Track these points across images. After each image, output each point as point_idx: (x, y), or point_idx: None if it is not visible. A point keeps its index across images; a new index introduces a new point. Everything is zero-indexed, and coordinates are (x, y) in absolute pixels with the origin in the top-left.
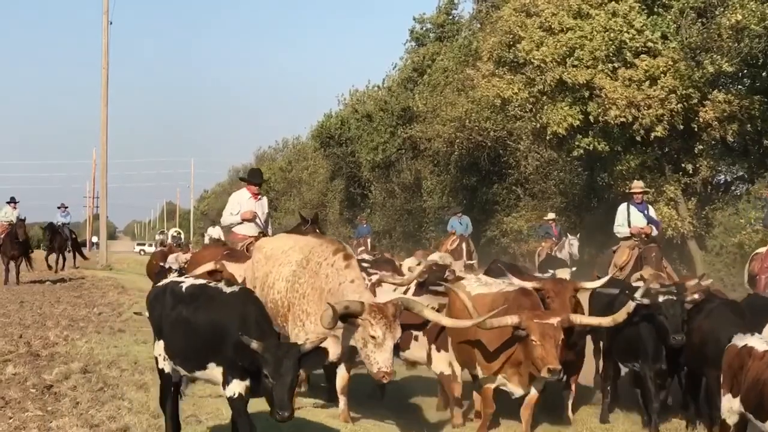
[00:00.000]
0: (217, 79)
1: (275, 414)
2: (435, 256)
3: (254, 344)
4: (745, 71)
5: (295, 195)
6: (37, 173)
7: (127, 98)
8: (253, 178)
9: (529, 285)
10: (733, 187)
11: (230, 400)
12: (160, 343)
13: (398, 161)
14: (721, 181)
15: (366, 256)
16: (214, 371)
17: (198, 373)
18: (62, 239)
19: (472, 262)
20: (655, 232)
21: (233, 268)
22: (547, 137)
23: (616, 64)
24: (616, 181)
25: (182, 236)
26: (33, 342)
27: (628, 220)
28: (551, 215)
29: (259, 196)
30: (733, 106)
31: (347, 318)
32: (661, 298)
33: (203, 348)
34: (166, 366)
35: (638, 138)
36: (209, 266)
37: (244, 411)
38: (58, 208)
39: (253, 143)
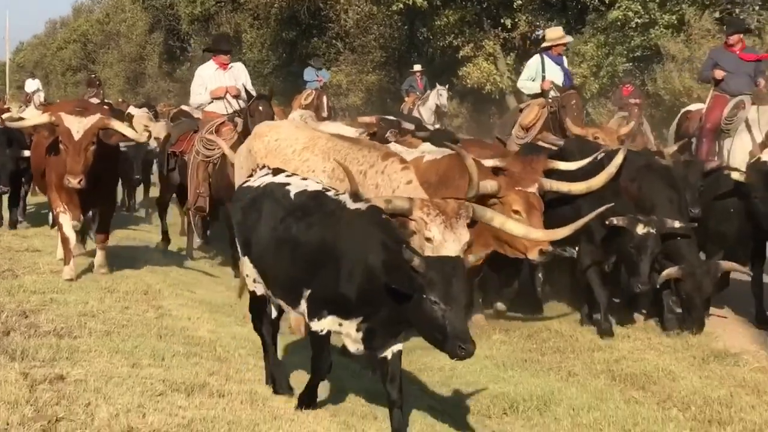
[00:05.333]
0: None
1: (455, 349)
2: (296, 114)
3: (416, 260)
4: None
5: (113, 48)
6: None
7: None
8: (218, 45)
9: (490, 163)
10: None
11: (314, 334)
12: (249, 264)
13: (218, 14)
14: (540, 37)
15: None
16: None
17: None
18: None
19: (331, 120)
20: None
21: (71, 122)
22: None
23: None
24: (435, 35)
25: None
26: None
27: (543, 74)
28: (417, 67)
29: (229, 66)
30: None
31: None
32: (639, 230)
33: (303, 274)
34: (258, 288)
35: None
36: (44, 118)
37: (326, 347)
38: None
39: None
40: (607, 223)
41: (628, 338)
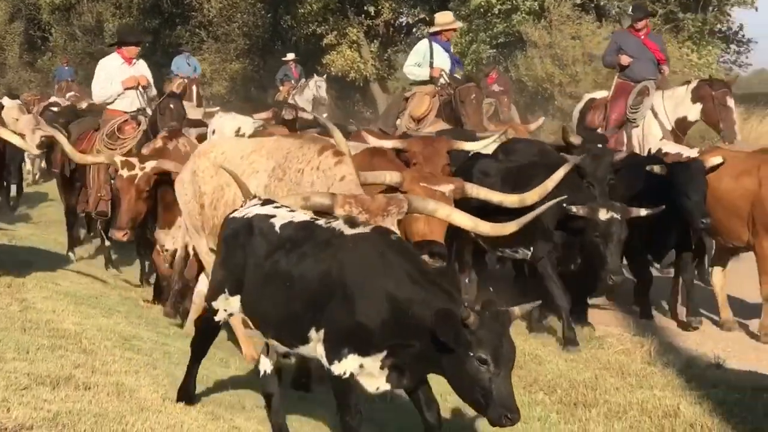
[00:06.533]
0: None
1: (500, 419)
2: None
3: (472, 318)
4: None
5: None
6: None
7: None
8: (127, 37)
9: (390, 144)
10: (414, 30)
11: (336, 380)
12: (236, 301)
13: (79, 3)
14: (403, 24)
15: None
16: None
17: (301, 349)
18: None
19: (203, 109)
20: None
21: None
22: None
23: None
24: (299, 23)
25: None
26: None
27: (430, 60)
28: (290, 55)
29: (134, 61)
30: None
31: None
32: (602, 216)
33: (306, 312)
34: (221, 317)
35: None
36: None
37: (351, 395)
38: None
39: None
40: (567, 212)
41: None
